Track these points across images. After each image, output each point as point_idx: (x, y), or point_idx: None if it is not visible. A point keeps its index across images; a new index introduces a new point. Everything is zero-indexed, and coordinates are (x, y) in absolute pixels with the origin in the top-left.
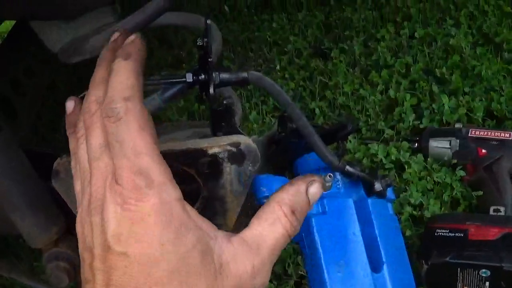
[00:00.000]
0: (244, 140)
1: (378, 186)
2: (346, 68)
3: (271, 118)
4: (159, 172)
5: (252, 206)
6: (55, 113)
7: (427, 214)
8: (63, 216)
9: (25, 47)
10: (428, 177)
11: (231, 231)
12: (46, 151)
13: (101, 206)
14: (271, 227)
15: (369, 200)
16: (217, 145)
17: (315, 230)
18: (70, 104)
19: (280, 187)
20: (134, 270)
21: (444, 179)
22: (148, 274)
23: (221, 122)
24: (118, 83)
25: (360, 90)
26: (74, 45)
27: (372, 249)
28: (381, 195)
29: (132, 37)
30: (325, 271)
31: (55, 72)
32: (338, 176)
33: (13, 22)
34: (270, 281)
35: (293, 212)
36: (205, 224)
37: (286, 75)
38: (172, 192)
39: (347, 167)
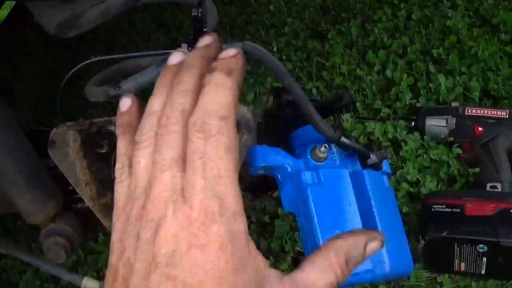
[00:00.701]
0: (240, 109)
1: (373, 158)
2: (343, 49)
3: (268, 99)
4: (234, 201)
5: (246, 177)
6: (54, 99)
7: (424, 191)
8: (60, 193)
9: (23, 31)
10: (425, 155)
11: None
12: (44, 128)
13: (157, 222)
14: (323, 273)
15: (365, 172)
16: None
17: (310, 200)
18: (126, 102)
19: (339, 234)
20: None
21: (441, 156)
22: None
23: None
24: (216, 99)
25: (357, 70)
26: (70, 19)
27: (368, 220)
28: (377, 167)
29: (234, 51)
30: (320, 241)
31: (55, 57)
32: (334, 148)
33: (8, 10)
34: (267, 257)
35: (347, 262)
36: (261, 261)
37: (284, 57)
38: (242, 224)
39: (342, 138)
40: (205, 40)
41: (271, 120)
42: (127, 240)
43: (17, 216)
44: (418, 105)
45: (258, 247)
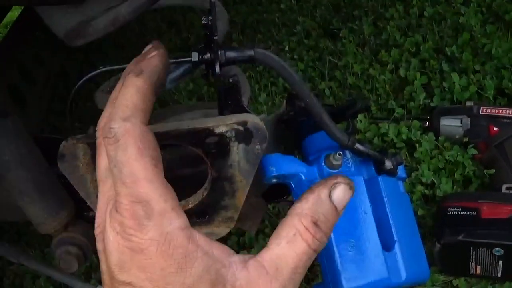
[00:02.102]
0: (252, 119)
1: (388, 164)
2: (355, 48)
3: (281, 99)
4: (159, 200)
5: (261, 186)
6: (65, 101)
7: (439, 193)
8: (72, 201)
9: (32, 34)
10: (440, 156)
11: (239, 213)
12: (55, 136)
13: (102, 232)
14: (290, 245)
15: (380, 179)
16: (224, 124)
17: None
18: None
19: (299, 196)
20: None
21: (456, 157)
22: None
23: (228, 100)
24: (122, 100)
25: (369, 69)
26: (78, 27)
27: (383, 227)
28: (392, 173)
29: (153, 52)
30: (335, 250)
31: (65, 59)
32: (348, 154)
33: (18, 12)
34: None
35: (315, 223)
36: (217, 250)
37: (295, 56)
38: (175, 221)
39: (357, 145)
40: (145, 49)
41: (284, 126)
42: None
43: (30, 222)
44: (432, 104)
45: None
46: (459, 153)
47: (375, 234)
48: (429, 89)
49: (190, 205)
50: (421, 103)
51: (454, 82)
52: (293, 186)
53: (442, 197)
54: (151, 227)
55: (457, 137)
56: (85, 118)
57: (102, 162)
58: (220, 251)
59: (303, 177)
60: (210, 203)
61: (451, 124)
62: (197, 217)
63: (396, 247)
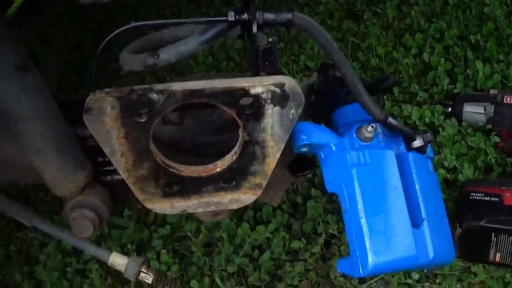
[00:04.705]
0: (289, 81)
1: (419, 140)
2: (379, 30)
3: (302, 77)
4: None
5: (288, 156)
6: (79, 74)
7: (461, 178)
8: (90, 164)
9: (51, 2)
10: (462, 141)
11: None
12: (75, 97)
13: None
14: None
15: (410, 155)
16: (261, 85)
17: (355, 181)
18: None
19: None
20: None
21: (479, 144)
22: None
23: (265, 61)
24: None
25: (393, 52)
26: None
27: (412, 204)
28: (422, 150)
29: None
30: (365, 223)
31: (80, 30)
32: (379, 129)
33: None
34: (299, 239)
35: None
36: None
37: None
38: None
39: (390, 119)
40: None
41: (313, 97)
42: None
43: (40, 187)
44: (456, 91)
45: (290, 228)
46: (481, 140)
47: (405, 210)
48: (452, 76)
49: (218, 169)
50: (444, 88)
51: (478, 70)
52: (322, 156)
53: (465, 182)
54: None
55: (480, 124)
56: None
57: None
58: None
59: (333, 148)
60: (238, 168)
61: (474, 111)
62: (224, 182)
63: (425, 224)
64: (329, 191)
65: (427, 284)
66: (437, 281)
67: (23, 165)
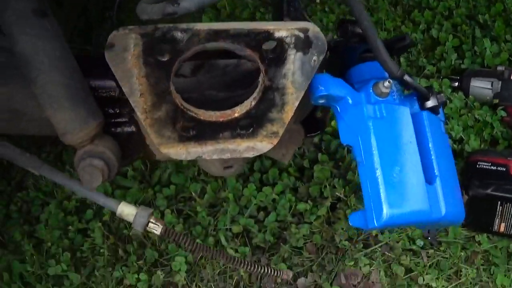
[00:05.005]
0: (313, 27)
1: (433, 100)
2: (388, 6)
3: None
4: None
5: (303, 111)
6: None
7: (468, 148)
8: (102, 114)
9: None
10: (469, 114)
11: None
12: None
13: None
14: None
15: (424, 113)
16: (285, 28)
17: (372, 133)
18: None
19: None
20: None
21: (485, 117)
22: None
23: (289, 7)
24: None
25: (402, 27)
26: None
27: (425, 161)
28: (435, 110)
29: None
30: (380, 174)
31: None
32: (394, 87)
33: None
34: (306, 201)
35: None
36: None
37: (327, 9)
38: None
39: (406, 76)
40: None
41: (331, 54)
42: None
43: (42, 146)
44: (463, 66)
45: (296, 190)
46: (488, 114)
47: (419, 165)
48: (460, 52)
49: (236, 115)
50: (452, 63)
51: (485, 48)
52: (338, 109)
53: (472, 151)
54: None
55: (486, 99)
56: None
57: None
58: None
59: (350, 101)
60: (257, 115)
61: (481, 86)
62: (241, 128)
63: (437, 181)
64: (344, 144)
65: (431, 251)
66: (441, 248)
67: (33, 115)
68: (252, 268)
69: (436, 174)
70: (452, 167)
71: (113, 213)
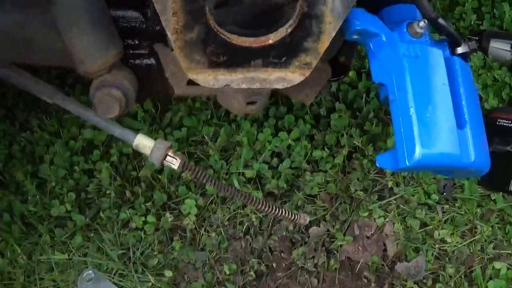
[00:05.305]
0: None
1: (464, 47)
2: None
3: None
4: None
5: (332, 48)
6: None
7: (486, 106)
8: (122, 44)
9: None
10: (488, 74)
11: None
12: None
13: None
14: None
15: (456, 59)
16: None
17: (407, 71)
18: None
19: None
20: None
21: (504, 78)
22: None
23: None
24: None
25: None
26: None
27: (456, 106)
28: (466, 57)
29: None
30: (414, 113)
31: None
32: (426, 31)
33: None
34: (322, 149)
35: None
36: None
37: None
38: None
39: (440, 19)
40: None
41: None
42: None
43: (52, 79)
44: (482, 27)
45: (312, 137)
46: (506, 74)
47: (451, 108)
48: (479, 14)
49: (270, 41)
50: (471, 23)
51: (504, 12)
52: (371, 47)
53: (492, 108)
54: None
55: (506, 59)
56: None
57: None
58: None
59: (384, 38)
60: (291, 43)
61: (500, 47)
62: (274, 57)
63: (467, 127)
64: (376, 82)
65: (446, 206)
66: (457, 204)
67: (48, 44)
68: (269, 208)
69: (467, 119)
70: (480, 116)
71: (121, 154)
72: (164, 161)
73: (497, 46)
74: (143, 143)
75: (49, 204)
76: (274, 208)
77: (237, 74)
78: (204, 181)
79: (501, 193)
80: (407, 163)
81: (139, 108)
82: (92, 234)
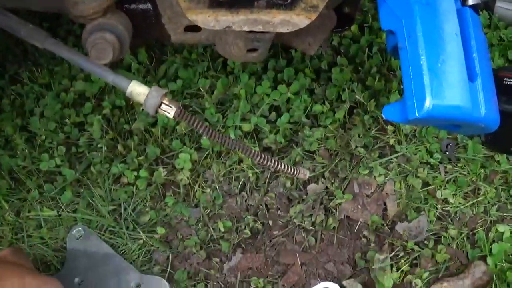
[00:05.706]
0: None
1: None
2: None
3: None
4: None
5: None
6: None
7: (492, 66)
8: None
9: None
10: (494, 33)
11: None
12: None
13: None
14: None
15: (467, 10)
16: None
17: (417, 17)
18: None
19: None
20: None
21: (510, 37)
22: None
23: None
24: None
25: None
26: None
27: (467, 58)
28: (476, 9)
29: None
30: (425, 62)
31: None
32: None
33: None
34: (322, 103)
35: None
36: None
37: None
38: None
39: None
40: None
41: None
42: None
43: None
44: None
45: (312, 92)
46: None
47: (462, 59)
48: None
49: None
50: None
51: None
52: None
53: (498, 68)
54: None
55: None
56: None
57: None
58: None
59: None
60: None
61: (507, 7)
62: None
63: (478, 80)
64: (385, 29)
65: (449, 166)
66: (460, 164)
67: None
68: (268, 162)
69: (478, 72)
70: (490, 70)
71: (113, 107)
72: (159, 109)
73: (503, 6)
74: (137, 90)
75: (38, 158)
76: (273, 161)
77: (239, 16)
78: (201, 131)
79: (505, 154)
80: (417, 114)
81: (133, 60)
82: (82, 190)
